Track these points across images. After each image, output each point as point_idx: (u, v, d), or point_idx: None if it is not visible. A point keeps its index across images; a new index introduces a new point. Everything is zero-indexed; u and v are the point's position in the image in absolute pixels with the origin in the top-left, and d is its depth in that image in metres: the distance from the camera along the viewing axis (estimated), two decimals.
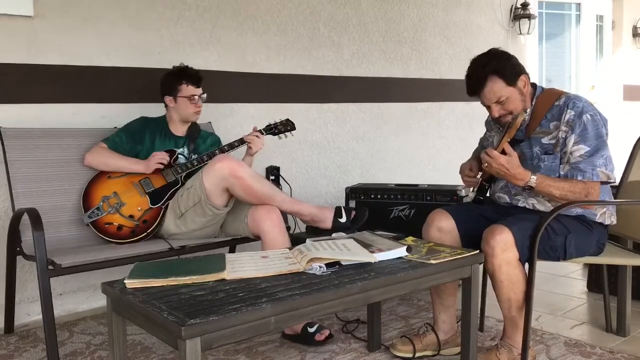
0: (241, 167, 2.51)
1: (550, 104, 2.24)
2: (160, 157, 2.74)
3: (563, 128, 2.17)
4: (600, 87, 6.67)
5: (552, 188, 2.12)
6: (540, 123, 2.25)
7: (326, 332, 2.46)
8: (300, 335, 2.46)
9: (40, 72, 2.89)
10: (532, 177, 2.12)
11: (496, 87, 2.18)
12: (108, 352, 2.17)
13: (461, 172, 2.49)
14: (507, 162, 2.11)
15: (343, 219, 2.57)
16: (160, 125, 2.88)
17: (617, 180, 2.46)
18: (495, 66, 2.19)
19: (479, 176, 2.45)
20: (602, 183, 2.15)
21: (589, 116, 2.14)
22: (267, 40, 3.71)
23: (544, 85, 2.37)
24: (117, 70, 3.12)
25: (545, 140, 2.23)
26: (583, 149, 2.12)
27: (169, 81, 2.83)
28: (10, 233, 2.54)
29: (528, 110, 2.22)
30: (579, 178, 2.11)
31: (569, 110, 2.17)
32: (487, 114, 2.57)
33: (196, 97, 2.82)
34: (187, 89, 2.80)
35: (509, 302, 2.13)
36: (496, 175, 2.21)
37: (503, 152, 2.16)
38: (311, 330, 2.45)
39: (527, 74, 2.26)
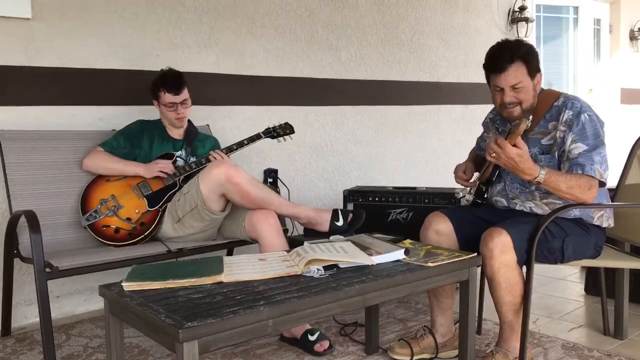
0: (238, 173, 2.50)
1: (549, 104, 2.25)
2: (164, 167, 2.73)
3: (561, 128, 2.17)
4: (598, 90, 6.68)
5: (559, 181, 2.08)
6: (539, 123, 2.25)
7: (326, 344, 2.41)
8: (300, 341, 2.44)
9: (38, 74, 2.89)
10: (542, 171, 2.07)
11: (520, 71, 2.18)
12: (105, 355, 2.16)
13: (455, 172, 2.48)
14: (518, 155, 2.03)
15: (340, 222, 2.56)
16: (157, 128, 2.88)
17: (612, 183, 2.46)
18: (525, 54, 2.19)
19: (474, 178, 2.45)
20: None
21: (587, 116, 2.15)
22: (265, 43, 3.71)
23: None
24: (115, 73, 3.12)
25: (544, 141, 2.23)
26: (581, 147, 2.12)
27: (153, 86, 2.83)
28: (8, 235, 2.53)
29: (530, 117, 2.21)
30: (579, 172, 2.10)
31: (567, 111, 2.17)
32: (484, 115, 2.58)
33: (175, 105, 2.81)
34: (165, 97, 2.79)
35: (507, 305, 2.13)
36: (503, 167, 2.13)
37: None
38: (311, 338, 2.40)
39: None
